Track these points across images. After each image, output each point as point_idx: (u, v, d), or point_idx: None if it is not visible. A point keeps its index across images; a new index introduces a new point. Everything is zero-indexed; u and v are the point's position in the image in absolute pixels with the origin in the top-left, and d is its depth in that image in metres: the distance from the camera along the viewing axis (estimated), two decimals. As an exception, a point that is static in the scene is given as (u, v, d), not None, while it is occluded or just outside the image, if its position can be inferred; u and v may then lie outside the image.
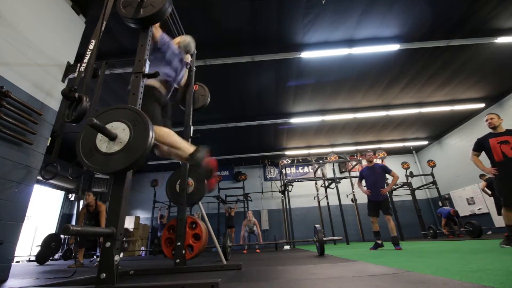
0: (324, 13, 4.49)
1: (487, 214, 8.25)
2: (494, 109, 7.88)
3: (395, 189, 9.09)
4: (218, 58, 5.20)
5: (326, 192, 9.32)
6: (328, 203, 8.93)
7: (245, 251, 6.85)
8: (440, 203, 9.04)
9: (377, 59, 5.70)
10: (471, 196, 9.06)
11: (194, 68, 3.15)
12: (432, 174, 8.99)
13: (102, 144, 1.28)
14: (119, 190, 1.30)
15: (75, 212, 10.30)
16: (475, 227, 5.65)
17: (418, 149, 11.90)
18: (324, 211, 9.23)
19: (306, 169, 12.16)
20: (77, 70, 2.48)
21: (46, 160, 2.91)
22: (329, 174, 10.98)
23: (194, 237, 2.59)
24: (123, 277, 1.97)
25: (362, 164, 9.30)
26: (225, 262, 2.40)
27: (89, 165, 1.25)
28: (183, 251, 2.22)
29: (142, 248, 9.56)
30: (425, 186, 9.59)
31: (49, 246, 4.90)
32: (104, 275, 1.14)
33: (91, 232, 1.09)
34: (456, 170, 9.60)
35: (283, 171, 9.12)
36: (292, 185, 9.00)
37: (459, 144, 9.45)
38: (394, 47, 5.20)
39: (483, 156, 3.26)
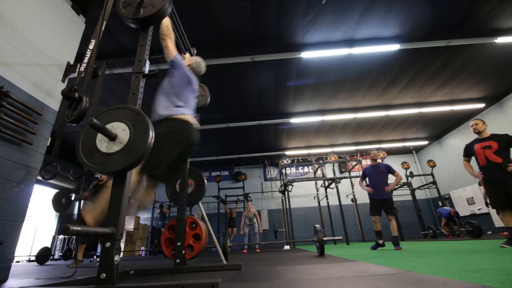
0: (324, 13, 4.49)
1: (487, 214, 8.25)
2: (494, 109, 7.88)
3: (395, 189, 9.08)
4: (218, 58, 5.20)
5: (326, 192, 9.33)
6: (328, 203, 8.93)
7: (245, 251, 6.86)
8: (440, 203, 9.04)
9: (377, 59, 5.70)
10: (471, 196, 9.06)
11: (194, 68, 3.14)
12: (432, 174, 8.99)
13: (102, 144, 1.28)
14: (119, 190, 1.30)
15: (75, 212, 10.31)
16: (475, 227, 5.65)
17: (418, 149, 11.90)
18: (324, 211, 9.24)
19: (306, 169, 12.16)
20: (77, 70, 2.48)
21: (45, 160, 2.91)
22: (329, 174, 10.98)
23: (194, 237, 2.59)
24: (123, 277, 1.97)
25: (362, 164, 9.31)
26: (225, 262, 2.40)
27: (89, 165, 1.25)
28: (183, 251, 2.22)
29: (142, 248, 9.56)
30: (425, 186, 9.58)
31: (60, 203, 4.93)
32: (104, 275, 1.14)
33: (91, 232, 1.09)
34: (456, 170, 9.59)
35: (283, 171, 9.12)
36: (292, 185, 9.00)
37: (459, 144, 9.45)
38: (394, 47, 5.20)
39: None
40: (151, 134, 1.28)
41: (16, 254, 2.66)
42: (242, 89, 6.64)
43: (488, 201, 3.58)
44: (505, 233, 5.86)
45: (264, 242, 4.73)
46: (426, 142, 10.87)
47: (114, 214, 1.26)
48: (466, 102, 7.70)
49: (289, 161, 10.00)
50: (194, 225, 2.61)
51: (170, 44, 1.98)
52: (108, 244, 1.19)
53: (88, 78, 2.08)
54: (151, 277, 1.95)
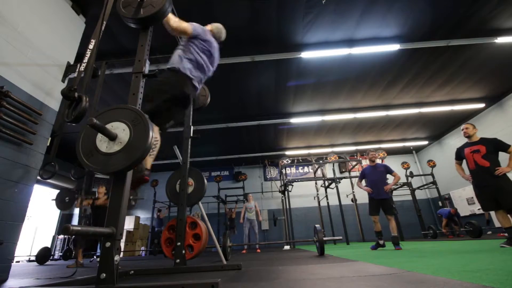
0: (324, 13, 4.49)
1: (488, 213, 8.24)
2: (494, 109, 7.88)
3: (395, 189, 9.08)
4: (218, 58, 5.20)
5: (326, 192, 9.32)
6: (328, 203, 8.93)
7: (244, 251, 6.86)
8: (440, 203, 9.05)
9: (377, 59, 5.70)
10: (471, 196, 9.06)
11: (194, 68, 3.14)
12: (432, 174, 8.99)
13: (102, 144, 1.28)
14: (119, 190, 1.30)
15: (75, 212, 10.32)
16: (475, 227, 5.66)
17: (418, 149, 11.90)
18: (324, 211, 9.23)
19: (306, 169, 12.16)
20: (77, 70, 2.48)
21: (44, 160, 2.91)
22: (329, 174, 10.98)
23: (194, 237, 2.59)
24: (123, 277, 1.97)
25: (362, 164, 9.30)
26: (225, 262, 2.40)
27: (89, 165, 1.25)
28: (183, 251, 2.22)
29: (142, 248, 9.57)
30: (425, 186, 9.58)
31: (64, 201, 4.96)
32: (104, 275, 1.14)
33: (91, 232, 1.09)
34: (456, 170, 9.58)
35: (283, 171, 9.12)
36: (292, 185, 9.00)
37: (459, 144, 9.31)
38: (394, 47, 5.20)
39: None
40: (151, 134, 1.28)
41: (16, 254, 2.66)
42: (242, 89, 6.64)
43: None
44: (502, 234, 5.88)
45: (264, 242, 4.73)
46: (426, 142, 10.87)
47: (114, 214, 1.26)
48: (466, 102, 7.69)
49: (289, 161, 10.00)
50: (194, 225, 2.61)
51: (182, 25, 2.00)
52: (108, 244, 1.19)
53: (88, 78, 2.08)
54: (151, 277, 1.95)
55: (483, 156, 3.18)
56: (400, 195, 10.53)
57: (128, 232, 9.21)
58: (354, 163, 9.87)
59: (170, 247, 2.54)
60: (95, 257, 6.68)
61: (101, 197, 4.75)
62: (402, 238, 7.55)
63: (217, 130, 8.17)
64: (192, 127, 2.76)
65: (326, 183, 9.42)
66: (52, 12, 3.24)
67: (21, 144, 2.58)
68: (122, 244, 8.92)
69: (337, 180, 8.51)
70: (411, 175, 9.24)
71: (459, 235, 7.59)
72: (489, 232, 7.59)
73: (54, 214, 9.89)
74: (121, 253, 7.96)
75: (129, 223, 9.39)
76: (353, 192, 9.67)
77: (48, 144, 2.95)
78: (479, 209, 8.63)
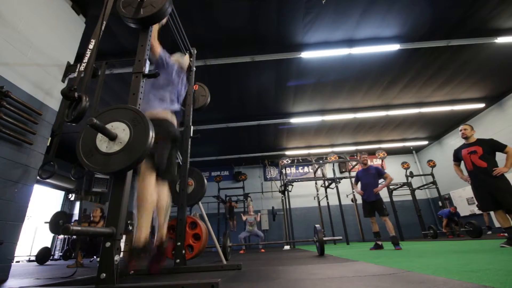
0: (324, 13, 4.49)
1: (487, 214, 8.24)
2: (494, 109, 7.88)
3: (395, 189, 9.09)
4: (218, 58, 5.20)
5: (326, 192, 9.32)
6: (328, 203, 8.93)
7: (242, 251, 6.87)
8: (440, 203, 9.04)
9: (377, 59, 5.70)
10: (471, 196, 9.06)
11: (194, 68, 3.15)
12: (432, 174, 8.99)
13: (102, 144, 1.28)
14: (119, 190, 1.30)
15: (75, 212, 10.31)
16: (475, 227, 5.66)
17: (418, 149, 11.90)
18: (324, 211, 9.23)
19: (306, 169, 12.16)
20: (77, 70, 2.48)
21: (43, 159, 2.91)
22: (329, 174, 10.97)
23: (194, 237, 2.59)
24: (123, 277, 1.97)
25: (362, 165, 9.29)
26: (225, 262, 2.40)
27: (89, 165, 1.25)
28: (183, 251, 2.22)
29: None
30: (425, 186, 9.59)
31: (57, 224, 4.96)
32: (104, 275, 1.14)
33: (91, 232, 1.09)
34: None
35: (283, 171, 9.12)
36: (292, 185, 9.00)
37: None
38: (394, 47, 5.20)
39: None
40: (151, 134, 1.28)
41: (16, 254, 2.66)
42: (242, 89, 6.64)
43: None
44: (502, 234, 5.88)
45: (264, 242, 4.73)
46: (426, 142, 10.87)
47: (114, 214, 1.26)
48: (466, 102, 7.69)
49: (289, 161, 9.99)
50: (194, 225, 2.61)
51: (156, 43, 2.00)
52: (108, 244, 1.19)
53: (88, 78, 2.08)
54: (151, 277, 1.94)
55: (480, 157, 3.21)
56: (400, 195, 10.53)
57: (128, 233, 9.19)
58: (354, 163, 9.87)
59: (170, 247, 2.54)
60: (95, 257, 6.67)
61: (97, 220, 4.71)
62: (402, 238, 7.55)
63: (217, 130, 8.17)
64: (192, 127, 2.76)
65: (326, 183, 9.42)
66: (52, 12, 3.24)
67: (21, 144, 2.58)
68: (122, 244, 8.92)
69: (337, 180, 8.51)
70: (411, 175, 9.24)
71: (459, 235, 7.59)
72: (489, 232, 7.59)
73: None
74: (121, 253, 7.94)
75: (129, 223, 9.37)
76: (353, 192, 9.66)
77: (48, 144, 2.95)
78: (479, 209, 8.63)
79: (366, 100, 7.44)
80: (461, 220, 8.02)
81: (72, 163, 2.89)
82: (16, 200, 2.47)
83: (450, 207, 7.81)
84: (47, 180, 3.42)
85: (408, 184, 8.78)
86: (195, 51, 3.28)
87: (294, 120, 7.96)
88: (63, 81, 3.27)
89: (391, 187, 8.57)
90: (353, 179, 9.50)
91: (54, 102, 3.09)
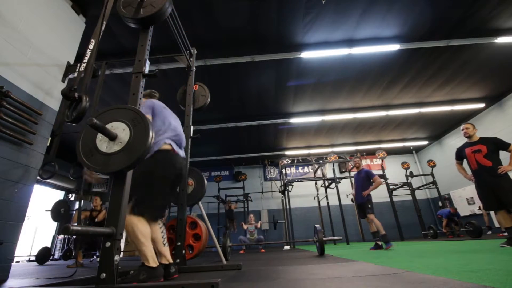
0: (324, 13, 4.49)
1: (487, 214, 8.24)
2: (494, 109, 7.88)
3: (395, 189, 9.09)
4: (218, 58, 5.20)
5: (326, 192, 9.32)
6: (328, 203, 8.93)
7: (242, 251, 6.87)
8: (440, 203, 9.04)
9: (377, 59, 5.70)
10: (471, 196, 9.06)
11: (194, 68, 3.15)
12: (432, 174, 8.99)
13: (102, 144, 1.28)
14: (119, 190, 1.30)
15: (74, 212, 10.30)
16: (475, 227, 5.65)
17: (418, 149, 11.90)
18: (324, 211, 9.23)
19: (306, 169, 12.16)
20: (77, 70, 2.48)
21: (44, 160, 2.91)
22: (329, 174, 10.97)
23: (194, 237, 2.59)
24: (123, 277, 1.96)
25: (362, 164, 9.29)
26: (225, 262, 2.41)
27: (89, 165, 1.25)
28: (183, 251, 2.22)
29: (142, 248, 9.55)
30: (425, 186, 9.58)
31: (59, 212, 4.99)
32: (104, 275, 1.14)
33: (91, 232, 1.09)
34: (456, 170, 9.47)
35: (283, 171, 9.12)
36: (292, 185, 9.00)
37: (459, 144, 9.28)
38: (394, 47, 5.20)
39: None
40: (151, 134, 1.28)
41: (16, 254, 2.66)
42: (242, 89, 6.64)
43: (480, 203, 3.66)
44: (502, 234, 5.88)
45: (264, 242, 4.74)
46: (426, 142, 10.87)
47: (114, 214, 1.26)
48: (466, 102, 7.69)
49: (289, 161, 9.99)
50: (194, 225, 2.61)
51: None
52: (108, 244, 1.19)
53: (88, 78, 2.07)
54: (151, 277, 1.94)
55: (485, 156, 3.17)
56: (400, 195, 10.53)
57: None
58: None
59: (170, 247, 2.54)
60: (95, 257, 6.67)
61: (98, 209, 4.73)
62: (402, 238, 7.56)
63: (217, 130, 8.17)
64: (192, 127, 2.76)
65: (326, 183, 9.42)
66: (52, 12, 3.24)
67: (21, 144, 2.58)
68: (122, 244, 8.92)
69: (337, 180, 8.51)
70: (411, 175, 9.24)
71: (459, 235, 7.59)
72: (489, 232, 7.59)
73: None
74: (121, 253, 7.96)
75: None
76: (353, 192, 9.66)
77: (48, 144, 2.95)
78: (479, 209, 8.63)
79: (366, 100, 7.44)
80: (461, 220, 8.02)
81: (72, 163, 2.89)
82: (16, 200, 2.47)
83: (450, 208, 7.80)
84: (47, 180, 3.42)
85: (408, 184, 8.78)
86: (195, 51, 3.29)
87: (294, 120, 7.96)
88: (63, 81, 3.27)
89: (391, 187, 8.57)
90: (353, 179, 9.55)
91: (54, 102, 3.09)
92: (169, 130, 1.88)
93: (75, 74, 2.47)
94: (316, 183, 9.91)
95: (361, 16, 4.62)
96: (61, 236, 9.21)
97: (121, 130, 1.29)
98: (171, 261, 1.80)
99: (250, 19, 4.55)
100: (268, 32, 4.86)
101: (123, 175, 1.33)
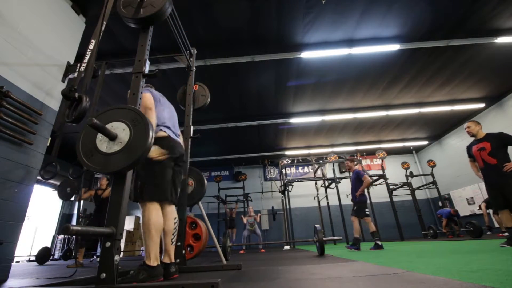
0: (324, 13, 4.49)
1: (487, 214, 8.24)
2: (494, 109, 7.88)
3: (395, 189, 9.08)
4: (218, 58, 5.20)
5: (326, 192, 9.32)
6: (328, 203, 8.93)
7: (242, 251, 6.87)
8: (440, 203, 9.04)
9: (377, 59, 5.70)
10: (471, 196, 9.06)
11: (194, 68, 3.15)
12: (432, 174, 8.99)
13: (102, 144, 1.28)
14: (119, 190, 1.30)
15: (75, 212, 10.32)
16: (475, 227, 5.65)
17: (418, 149, 11.90)
18: (324, 211, 9.23)
19: (306, 169, 12.16)
20: (77, 70, 2.48)
21: (45, 160, 2.91)
22: (329, 174, 10.97)
23: (194, 237, 2.59)
24: (123, 277, 1.96)
25: (362, 164, 9.31)
26: (225, 262, 2.41)
27: (89, 165, 1.25)
28: (183, 251, 2.22)
29: (142, 248, 9.56)
30: (425, 186, 9.58)
31: (65, 191, 5.05)
32: (104, 275, 1.14)
33: (91, 232, 1.09)
34: (456, 170, 9.60)
35: (283, 171, 9.12)
36: (292, 185, 9.00)
37: (459, 144, 9.44)
38: (394, 47, 5.20)
39: None
40: (151, 134, 1.28)
41: (16, 254, 2.66)
42: (242, 89, 6.64)
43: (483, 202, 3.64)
44: (501, 234, 5.88)
45: (264, 242, 4.74)
46: (426, 142, 10.87)
47: (114, 214, 1.26)
48: (466, 102, 7.69)
49: (289, 161, 9.99)
50: (194, 225, 2.61)
51: (145, 111, 1.82)
52: (108, 244, 1.19)
53: (88, 78, 2.07)
54: (151, 277, 1.94)
55: (489, 154, 3.08)
56: (400, 195, 10.53)
57: (128, 232, 9.21)
58: (354, 163, 9.86)
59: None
60: (95, 257, 6.68)
61: (104, 188, 4.82)
62: (402, 238, 7.56)
63: (217, 130, 8.17)
64: (192, 127, 2.76)
65: (326, 183, 9.42)
66: (52, 12, 3.24)
67: (21, 144, 2.58)
68: (122, 244, 8.93)
69: (337, 180, 8.51)
70: (411, 175, 9.24)
71: (459, 235, 7.59)
72: (489, 233, 7.60)
73: (54, 214, 9.89)
74: (121, 253, 7.96)
75: (129, 223, 9.39)
76: (353, 192, 9.65)
77: (48, 144, 2.95)
78: (479, 209, 8.64)
79: (366, 100, 7.44)
80: (461, 220, 8.02)
81: (71, 162, 2.89)
82: (16, 200, 2.47)
83: (450, 209, 7.80)
84: (48, 180, 3.42)
85: (408, 184, 8.78)
86: (195, 51, 3.28)
87: (294, 120, 7.96)
88: (63, 81, 3.27)
89: (391, 187, 8.57)
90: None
91: (54, 102, 3.09)
92: (165, 118, 1.93)
93: (75, 74, 2.46)
94: (316, 183, 9.91)
95: (361, 16, 4.62)
96: (61, 236, 9.21)
97: (121, 130, 1.29)
98: (173, 260, 1.80)
99: (250, 19, 4.55)
100: (268, 32, 4.86)
101: (123, 175, 1.32)
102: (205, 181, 2.69)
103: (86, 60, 2.26)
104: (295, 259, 3.04)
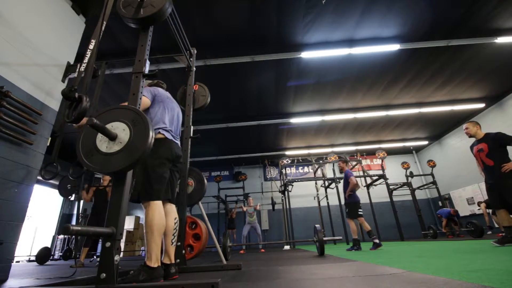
0: (324, 13, 4.49)
1: (488, 214, 8.24)
2: (494, 109, 7.89)
3: (395, 189, 9.08)
4: (218, 58, 5.20)
5: (326, 192, 9.32)
6: (328, 203, 8.93)
7: (242, 251, 6.87)
8: (440, 203, 9.04)
9: (377, 59, 5.70)
10: (471, 196, 9.06)
11: (194, 68, 3.15)
12: (432, 174, 8.99)
13: (102, 144, 1.28)
14: (119, 190, 1.30)
15: (75, 212, 10.32)
16: (477, 227, 5.64)
17: (418, 149, 11.90)
18: (324, 211, 9.23)
19: (306, 169, 12.16)
20: (77, 70, 2.48)
21: (46, 160, 2.91)
22: (329, 174, 10.97)
23: (194, 237, 2.59)
24: (123, 277, 1.96)
25: (362, 164, 9.31)
26: (225, 262, 2.41)
27: (89, 165, 1.25)
28: (183, 251, 2.22)
29: (142, 248, 9.56)
30: (425, 186, 9.58)
31: (65, 188, 5.08)
32: (104, 275, 1.14)
33: (91, 232, 1.09)
34: (456, 170, 9.60)
35: (283, 171, 9.12)
36: (292, 185, 9.00)
37: (459, 144, 9.45)
38: (394, 47, 5.20)
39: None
40: (151, 134, 1.28)
41: (16, 254, 2.66)
42: (242, 89, 6.64)
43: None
44: (501, 234, 5.87)
45: (264, 242, 4.74)
46: (426, 142, 10.87)
47: (114, 214, 1.26)
48: (466, 102, 7.69)
49: (289, 161, 9.99)
50: (194, 225, 2.61)
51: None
52: (108, 244, 1.19)
53: (88, 78, 2.07)
54: (151, 277, 1.94)
55: (487, 155, 3.09)
56: (400, 195, 10.53)
57: (128, 232, 9.21)
58: (354, 163, 9.87)
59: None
60: (95, 257, 6.67)
61: (106, 184, 4.84)
62: (402, 238, 7.56)
63: (217, 130, 8.17)
64: (192, 127, 2.76)
65: (326, 183, 9.42)
66: (52, 12, 3.24)
67: (21, 144, 2.58)
68: (122, 244, 8.92)
69: (337, 180, 8.50)
70: (411, 175, 9.24)
71: (459, 235, 7.59)
72: (489, 232, 7.59)
73: (54, 214, 9.90)
74: (121, 253, 7.96)
75: (129, 223, 9.38)
76: (353, 192, 9.65)
77: (48, 144, 2.94)
78: (479, 209, 8.64)
79: (366, 100, 7.44)
80: (461, 220, 8.01)
81: (72, 162, 2.89)
82: (16, 200, 2.47)
83: (450, 209, 7.80)
84: (48, 180, 3.43)
85: (408, 184, 8.78)
86: (195, 51, 3.28)
87: (294, 120, 7.96)
88: (63, 81, 3.26)
89: (391, 187, 8.57)
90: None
91: (54, 102, 3.09)
92: (166, 122, 1.93)
93: (75, 74, 2.46)
94: (316, 183, 9.91)
95: (361, 16, 4.63)
96: (61, 236, 9.22)
97: (121, 130, 1.29)
98: (173, 261, 1.80)
99: (250, 19, 4.55)
100: (268, 32, 4.86)
101: (123, 175, 1.32)
102: (205, 181, 2.69)
103: (86, 60, 2.26)
104: (295, 259, 3.04)
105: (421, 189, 10.12)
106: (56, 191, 9.62)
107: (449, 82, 6.78)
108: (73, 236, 6.91)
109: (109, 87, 5.86)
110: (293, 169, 11.90)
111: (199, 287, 1.15)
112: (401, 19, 4.75)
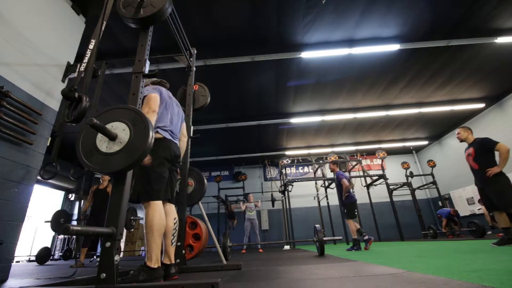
0: (324, 13, 4.49)
1: (489, 215, 8.24)
2: (494, 109, 7.89)
3: (395, 189, 9.09)
4: (218, 58, 5.20)
5: (326, 192, 9.32)
6: (328, 203, 8.92)
7: (243, 251, 6.86)
8: (440, 203, 9.04)
9: (377, 59, 5.70)
10: (471, 196, 9.06)
11: (194, 68, 3.15)
12: (432, 174, 8.99)
13: (102, 144, 1.28)
14: (119, 190, 1.30)
15: (75, 212, 10.32)
16: (478, 227, 5.61)
17: (418, 149, 11.90)
18: (324, 211, 9.23)
19: (306, 169, 12.15)
20: (77, 70, 2.48)
21: (45, 160, 2.91)
22: (329, 174, 10.96)
23: (194, 237, 2.59)
24: (123, 277, 1.96)
25: (362, 164, 9.31)
26: (225, 262, 2.41)
27: (89, 165, 1.25)
28: (183, 251, 2.22)
29: (142, 248, 9.56)
30: (425, 186, 9.58)
31: (58, 222, 5.04)
32: (104, 275, 1.14)
33: (91, 232, 1.09)
34: (456, 170, 9.60)
35: (283, 171, 9.12)
36: (292, 185, 9.00)
37: (459, 144, 9.37)
38: (394, 47, 5.20)
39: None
40: (151, 134, 1.28)
41: (16, 254, 2.66)
42: (242, 89, 6.64)
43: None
44: (500, 234, 5.87)
45: (264, 242, 4.74)
46: (426, 142, 10.87)
47: (114, 214, 1.26)
48: (466, 102, 7.69)
49: (289, 161, 9.99)
50: (194, 225, 2.61)
51: (148, 112, 1.76)
52: (108, 244, 1.19)
53: (88, 78, 2.07)
54: (151, 277, 1.94)
55: (474, 159, 3.21)
56: (400, 195, 10.53)
57: (128, 232, 9.21)
58: (354, 163, 9.87)
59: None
60: (95, 257, 6.67)
61: (105, 185, 4.83)
62: (402, 238, 7.56)
63: (217, 130, 8.17)
64: (192, 127, 2.76)
65: (326, 183, 9.42)
66: (52, 12, 3.24)
67: (21, 144, 2.58)
68: (122, 244, 8.93)
69: (337, 180, 8.49)
70: (411, 175, 9.24)
71: (459, 235, 7.59)
72: (489, 232, 7.59)
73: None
74: (121, 253, 7.96)
75: (129, 223, 9.37)
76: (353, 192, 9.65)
77: (48, 144, 2.94)
78: (479, 209, 8.64)
79: (366, 100, 7.44)
80: (461, 220, 8.01)
81: (72, 163, 2.89)
82: (16, 200, 2.47)
83: (450, 209, 7.80)
84: (48, 180, 3.43)
85: (408, 184, 8.78)
86: (195, 51, 3.29)
87: (294, 120, 7.96)
88: (63, 81, 3.26)
89: (391, 187, 8.57)
90: (353, 179, 9.55)
91: (54, 102, 3.09)
92: (166, 122, 1.93)
93: (75, 74, 2.46)
94: (316, 183, 9.91)
95: (361, 16, 4.62)
96: (61, 236, 9.21)
97: (121, 130, 1.29)
98: (173, 261, 1.80)
99: (250, 19, 4.55)
100: (268, 32, 4.86)
101: (123, 175, 1.32)
102: (205, 181, 2.69)
103: (86, 60, 2.26)
104: (295, 259, 3.04)
105: (421, 189, 10.12)
106: (57, 191, 9.64)
107: (449, 82, 6.78)
108: (73, 236, 6.92)
109: (109, 87, 5.86)
110: (293, 169, 11.90)
111: (199, 287, 1.15)
112: (401, 19, 4.75)
